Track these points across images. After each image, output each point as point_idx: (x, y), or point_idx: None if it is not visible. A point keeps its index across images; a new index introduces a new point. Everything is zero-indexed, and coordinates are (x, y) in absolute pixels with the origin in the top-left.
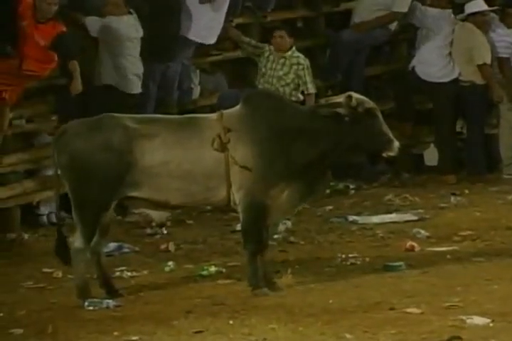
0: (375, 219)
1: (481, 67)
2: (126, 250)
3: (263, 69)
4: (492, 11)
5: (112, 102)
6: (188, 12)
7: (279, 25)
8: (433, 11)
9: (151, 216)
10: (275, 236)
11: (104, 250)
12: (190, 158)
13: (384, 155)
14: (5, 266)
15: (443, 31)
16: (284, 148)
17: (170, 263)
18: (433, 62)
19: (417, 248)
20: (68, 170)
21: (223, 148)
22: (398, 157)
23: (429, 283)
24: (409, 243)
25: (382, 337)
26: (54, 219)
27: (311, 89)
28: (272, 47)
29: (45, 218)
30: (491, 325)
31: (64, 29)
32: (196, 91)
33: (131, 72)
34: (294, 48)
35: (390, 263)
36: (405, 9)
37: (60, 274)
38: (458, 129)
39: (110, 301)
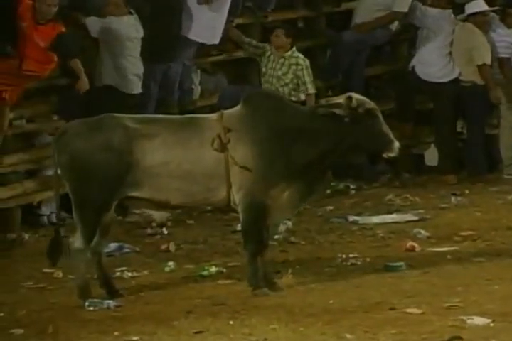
0: (376, 219)
1: (480, 68)
2: (126, 250)
3: (263, 69)
4: (492, 11)
5: (113, 102)
6: (189, 12)
7: (279, 24)
8: (433, 11)
9: (152, 216)
10: (276, 237)
11: (105, 250)
12: (191, 158)
13: (384, 155)
14: (5, 266)
15: (443, 31)
16: (284, 148)
17: (170, 263)
18: (433, 62)
19: (418, 248)
20: (68, 170)
21: (223, 148)
22: (398, 157)
23: (430, 283)
24: (410, 243)
25: (382, 337)
26: (55, 220)
27: (311, 89)
28: (272, 47)
29: (45, 218)
30: (492, 325)
31: (63, 29)
32: (197, 92)
33: (132, 72)
34: (294, 48)
35: (391, 264)
36: (405, 9)
37: (60, 274)
38: (458, 129)
39: (111, 301)
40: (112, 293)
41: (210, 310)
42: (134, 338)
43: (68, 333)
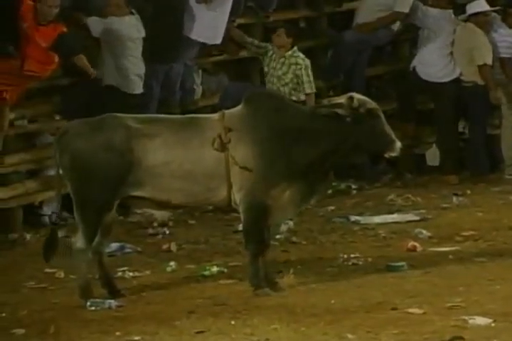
0: (377, 219)
1: (481, 68)
2: (128, 250)
3: (266, 69)
4: (494, 11)
5: (114, 102)
6: (190, 12)
7: (281, 24)
8: (434, 11)
9: (154, 215)
10: (277, 236)
11: (106, 250)
12: (192, 158)
13: (386, 155)
14: (7, 266)
15: (444, 31)
16: (285, 148)
17: (172, 263)
18: (434, 63)
19: (419, 248)
20: (70, 170)
21: (223, 148)
22: (400, 157)
23: (431, 283)
24: (411, 243)
25: (384, 337)
26: (57, 220)
27: (308, 89)
28: (274, 47)
29: (47, 218)
30: (493, 325)
31: (65, 30)
32: (198, 92)
33: (133, 72)
34: (295, 48)
35: (392, 264)
36: (407, 9)
37: (62, 274)
38: (460, 129)
39: (112, 301)
40: (114, 293)
41: (211, 310)
42: (136, 338)
43: (70, 333)
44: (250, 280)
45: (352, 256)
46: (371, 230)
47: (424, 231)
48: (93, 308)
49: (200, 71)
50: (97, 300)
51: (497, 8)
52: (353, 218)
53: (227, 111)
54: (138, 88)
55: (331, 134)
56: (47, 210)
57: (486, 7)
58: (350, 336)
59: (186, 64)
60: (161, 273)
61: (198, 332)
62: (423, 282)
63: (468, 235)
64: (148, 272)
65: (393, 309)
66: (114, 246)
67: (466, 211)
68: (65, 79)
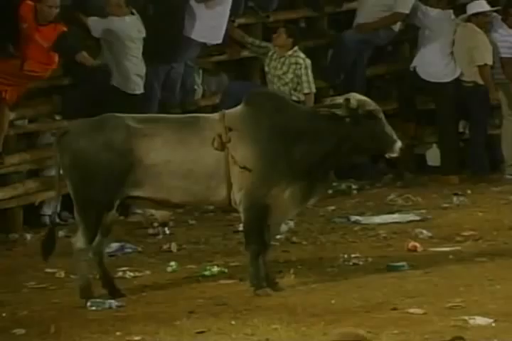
0: (378, 219)
1: (481, 68)
2: (128, 250)
3: (266, 69)
4: (494, 11)
5: (115, 103)
6: (191, 12)
7: (282, 24)
8: (434, 12)
9: (154, 215)
10: (278, 237)
11: (107, 250)
12: (192, 158)
13: (386, 156)
14: (7, 266)
15: (444, 32)
16: (286, 148)
17: (172, 263)
18: (434, 63)
19: (420, 248)
20: (70, 170)
21: (223, 147)
22: (400, 157)
23: (432, 283)
24: (412, 243)
25: (384, 337)
26: (56, 219)
27: (306, 89)
28: (275, 47)
29: (47, 218)
30: (494, 325)
31: (65, 29)
32: (199, 92)
33: (134, 72)
34: (296, 48)
35: (393, 264)
36: (408, 10)
37: (62, 274)
38: (460, 129)
39: (113, 301)
40: (114, 293)
41: (212, 310)
42: (136, 338)
43: (70, 333)
44: (251, 280)
45: (352, 256)
46: (372, 230)
47: (424, 231)
48: (94, 308)
49: (200, 71)
50: (98, 300)
51: (497, 8)
52: (353, 218)
53: (227, 111)
54: (138, 88)
55: (330, 135)
56: (47, 210)
57: (487, 7)
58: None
59: (187, 64)
60: (161, 273)
61: (198, 332)
62: (423, 282)
63: (468, 235)
64: (148, 272)
65: (394, 309)
66: (115, 246)
67: (466, 211)
68: (65, 80)
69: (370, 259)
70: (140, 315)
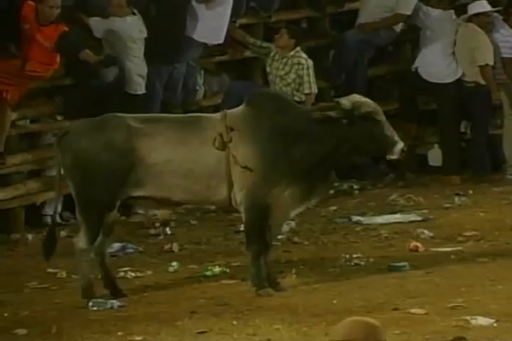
0: (380, 219)
1: (482, 68)
2: (130, 250)
3: (268, 69)
4: (495, 11)
5: (116, 103)
6: (193, 13)
7: (284, 25)
8: (435, 12)
9: (155, 214)
10: (279, 237)
11: (108, 250)
12: (193, 157)
13: (386, 157)
14: (9, 266)
15: (445, 32)
16: (286, 148)
17: (174, 263)
18: (436, 63)
19: (421, 248)
20: (72, 170)
21: (224, 146)
22: (402, 159)
23: (434, 283)
24: (414, 243)
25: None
26: (58, 220)
27: (307, 89)
28: (277, 47)
29: (49, 218)
30: (495, 325)
31: (66, 28)
32: (200, 92)
33: (135, 72)
34: (298, 48)
35: (394, 264)
36: (409, 11)
37: (64, 274)
38: (462, 130)
39: (114, 301)
40: (116, 293)
41: (213, 310)
42: (138, 338)
43: (72, 333)
44: (252, 280)
45: (354, 256)
46: (373, 230)
47: (426, 232)
48: (95, 308)
49: (202, 71)
50: (99, 300)
51: (499, 8)
52: (355, 218)
53: (229, 111)
54: (140, 88)
55: (329, 135)
56: (49, 210)
57: (488, 7)
58: None
59: (189, 64)
60: (163, 274)
61: (200, 332)
62: (425, 282)
63: (470, 235)
64: (150, 272)
65: (395, 309)
66: (116, 246)
67: (468, 211)
68: (67, 80)
69: (371, 259)
70: (142, 315)
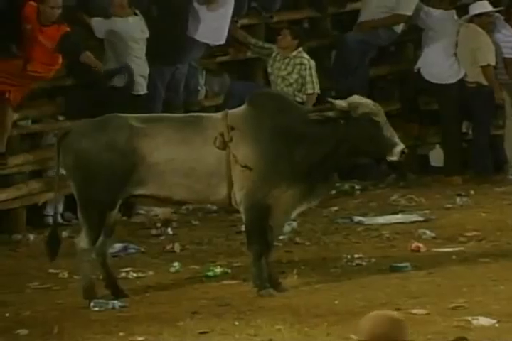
0: (381, 219)
1: (484, 69)
2: (131, 251)
3: (269, 69)
4: (497, 11)
5: (118, 103)
6: (194, 13)
7: (286, 25)
8: (437, 12)
9: (156, 213)
10: (281, 237)
11: (110, 251)
12: (194, 156)
13: (387, 159)
14: (11, 267)
15: (447, 32)
16: (287, 148)
17: (175, 263)
18: (438, 63)
19: (423, 248)
20: (73, 171)
21: (224, 146)
22: (402, 161)
23: (435, 283)
24: (415, 244)
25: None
26: (59, 220)
27: (310, 89)
28: (279, 48)
29: (50, 219)
30: (497, 325)
31: (68, 29)
32: (202, 93)
33: (137, 73)
34: (300, 49)
35: (396, 264)
36: (410, 12)
37: (65, 275)
38: (463, 130)
39: (116, 302)
40: (117, 293)
41: (215, 310)
42: (139, 338)
43: (73, 334)
44: (254, 280)
45: (356, 256)
46: (375, 231)
47: (427, 232)
48: (97, 309)
49: (203, 72)
50: (101, 300)
51: (500, 8)
52: (356, 219)
53: (230, 111)
54: (142, 89)
55: (328, 136)
56: (50, 211)
57: (489, 8)
58: (353, 337)
59: (191, 64)
60: (164, 274)
61: (201, 333)
62: (427, 282)
63: (471, 235)
64: (151, 272)
65: (397, 309)
66: (118, 246)
67: (469, 211)
68: (68, 80)
69: (373, 260)
70: (143, 316)
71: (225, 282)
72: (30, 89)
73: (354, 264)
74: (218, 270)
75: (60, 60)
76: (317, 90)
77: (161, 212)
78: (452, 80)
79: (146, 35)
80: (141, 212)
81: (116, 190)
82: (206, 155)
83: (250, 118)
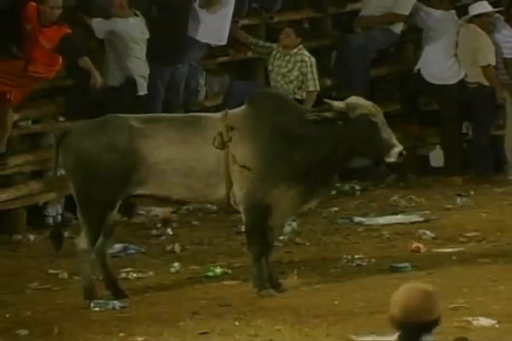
0: (381, 220)
1: (484, 69)
2: (132, 251)
3: (270, 67)
4: (497, 12)
5: (118, 104)
6: (195, 14)
7: (289, 24)
8: (437, 13)
9: (155, 212)
10: (281, 237)
11: (110, 251)
12: (194, 156)
13: (385, 160)
14: (11, 267)
15: (448, 32)
16: (286, 149)
17: (176, 264)
18: (438, 63)
19: (423, 249)
20: (73, 171)
21: (223, 145)
22: (400, 162)
23: (435, 284)
24: (415, 244)
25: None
26: (59, 220)
27: (311, 86)
28: (279, 46)
29: (51, 219)
30: (497, 326)
31: (69, 30)
32: (202, 93)
33: (137, 73)
34: (301, 46)
35: (396, 264)
36: (407, 12)
37: (66, 275)
38: (464, 130)
39: (116, 302)
40: (117, 293)
41: (215, 310)
42: (140, 339)
43: (74, 334)
44: (254, 281)
45: (356, 257)
46: (375, 231)
47: (427, 232)
48: (97, 309)
49: (204, 72)
50: (101, 301)
51: (500, 8)
52: (356, 219)
53: (230, 111)
54: (142, 89)
55: (326, 137)
56: (51, 211)
57: (489, 8)
58: (354, 337)
59: (191, 65)
60: (164, 274)
61: (201, 333)
62: (427, 283)
63: (472, 236)
64: (152, 273)
65: None
66: (118, 246)
67: (469, 212)
68: (69, 81)
69: (373, 260)
70: (143, 316)
71: (225, 282)
72: (31, 90)
73: (354, 265)
74: (218, 270)
75: (61, 61)
76: (318, 88)
77: (160, 211)
78: (452, 81)
79: (147, 36)
80: (142, 212)
81: (116, 191)
82: (205, 155)
83: (249, 118)
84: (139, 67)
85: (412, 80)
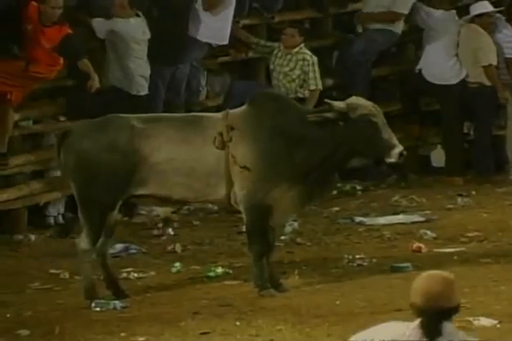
0: (382, 220)
1: (486, 69)
2: (133, 251)
3: (271, 66)
4: (498, 11)
5: (119, 104)
6: (196, 13)
7: (291, 24)
8: (437, 12)
9: (156, 211)
10: (282, 237)
11: (111, 251)
12: (195, 156)
13: (385, 160)
14: (12, 267)
15: (449, 32)
16: (286, 149)
17: (177, 264)
18: (439, 63)
19: (424, 249)
20: (74, 171)
21: (223, 145)
22: (400, 163)
23: None
24: (416, 244)
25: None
26: (60, 220)
27: (312, 85)
28: (281, 45)
29: (52, 219)
30: (498, 326)
31: (70, 31)
32: (203, 93)
33: (138, 73)
34: (302, 45)
35: (397, 264)
36: (406, 11)
37: (67, 275)
38: (465, 130)
39: (117, 302)
40: (119, 293)
41: (216, 310)
42: (141, 339)
43: (75, 334)
44: (255, 281)
45: (357, 257)
46: (376, 231)
47: (429, 232)
48: (98, 309)
49: (205, 72)
50: (102, 301)
51: (501, 8)
52: (357, 219)
53: (231, 111)
54: (143, 89)
55: (326, 137)
56: (52, 211)
57: (490, 8)
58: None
59: (193, 65)
60: (165, 274)
61: (202, 333)
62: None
63: (473, 236)
64: (153, 273)
65: (398, 310)
66: (119, 246)
67: (471, 212)
68: (70, 81)
69: (374, 260)
70: (144, 316)
71: (227, 282)
72: (32, 90)
73: (355, 265)
74: (219, 270)
75: (62, 61)
76: (320, 86)
77: (161, 211)
78: (454, 81)
79: (148, 36)
80: (143, 212)
81: (117, 191)
82: (206, 155)
83: (250, 118)
84: (140, 67)
85: (413, 80)
